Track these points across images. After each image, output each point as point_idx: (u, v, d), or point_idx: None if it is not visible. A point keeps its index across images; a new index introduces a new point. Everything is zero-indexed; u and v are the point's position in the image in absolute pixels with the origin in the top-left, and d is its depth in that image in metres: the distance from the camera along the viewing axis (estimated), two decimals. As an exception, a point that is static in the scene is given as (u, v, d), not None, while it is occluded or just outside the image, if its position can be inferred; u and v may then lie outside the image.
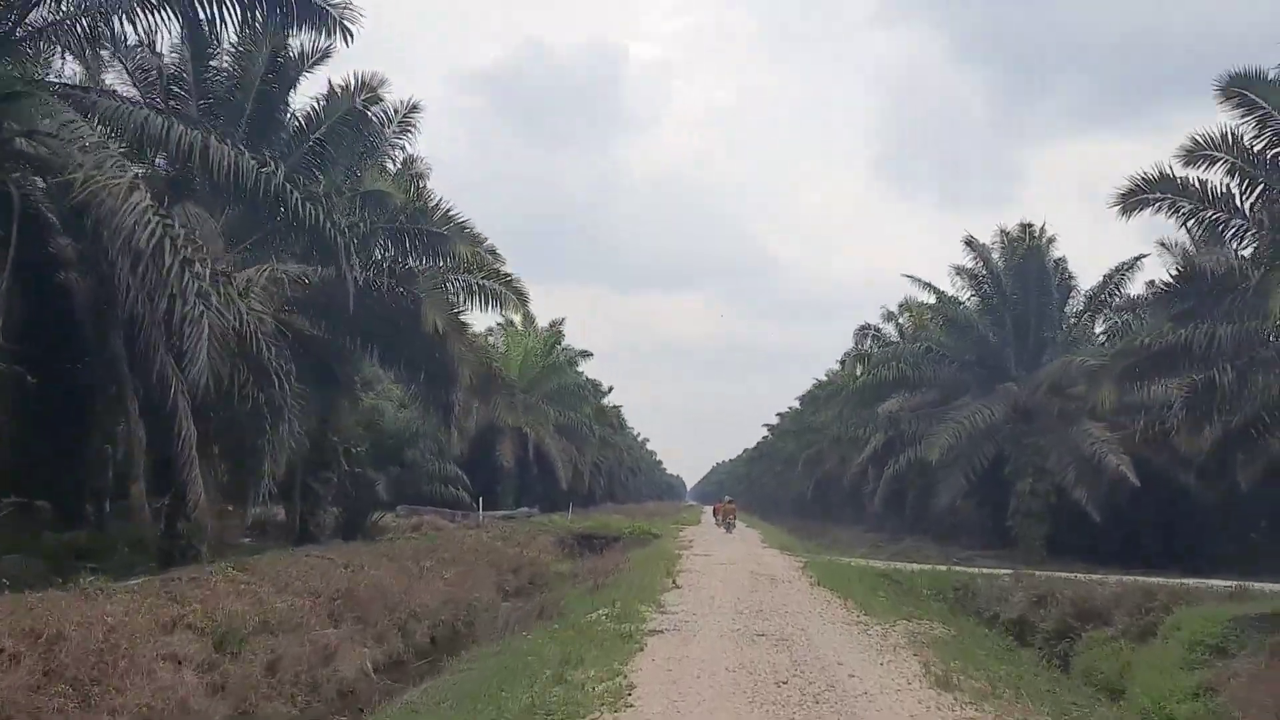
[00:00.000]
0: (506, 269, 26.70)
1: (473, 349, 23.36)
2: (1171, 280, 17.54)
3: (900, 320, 51.31)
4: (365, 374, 31.12)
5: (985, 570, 25.32)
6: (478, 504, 37.35)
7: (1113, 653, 16.02)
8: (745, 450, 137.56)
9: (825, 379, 63.59)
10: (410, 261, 21.45)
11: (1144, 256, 29.84)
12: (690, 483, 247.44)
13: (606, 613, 14.05)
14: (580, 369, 64.70)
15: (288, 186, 14.89)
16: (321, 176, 21.35)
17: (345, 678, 13.57)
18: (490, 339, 54.67)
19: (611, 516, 50.36)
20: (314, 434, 25.13)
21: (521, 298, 26.71)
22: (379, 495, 29.81)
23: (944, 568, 25.63)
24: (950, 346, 33.36)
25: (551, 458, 51.95)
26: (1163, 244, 26.71)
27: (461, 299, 25.27)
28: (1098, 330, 32.26)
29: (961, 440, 28.41)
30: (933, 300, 32.81)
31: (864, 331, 51.36)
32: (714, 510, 66.82)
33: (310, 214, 15.20)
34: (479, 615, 20.93)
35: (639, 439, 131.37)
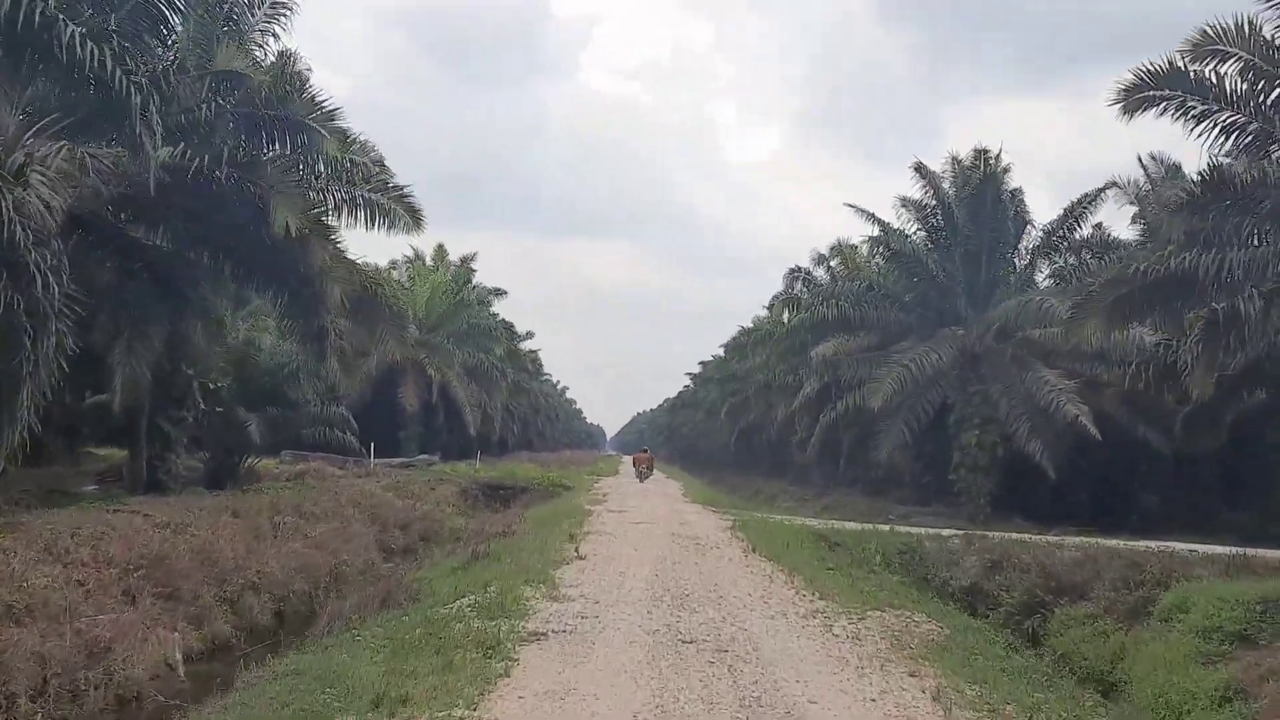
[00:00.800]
0: (397, 182, 22.98)
1: (343, 263, 19.59)
2: (1194, 188, 14.74)
3: (832, 264, 48.58)
4: (233, 298, 27.15)
5: (931, 530, 22.74)
6: (368, 450, 33.62)
7: (1098, 635, 13.30)
8: (667, 400, 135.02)
9: (751, 325, 60.77)
10: (268, 154, 17.58)
11: (1109, 187, 27.32)
12: (611, 432, 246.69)
13: (475, 600, 10.42)
14: (495, 310, 60.92)
15: (60, 17, 10.99)
16: (159, 46, 17.35)
17: (131, 677, 10.11)
18: (394, 273, 50.67)
19: (523, 465, 47.06)
20: (159, 365, 21.25)
21: (415, 216, 22.95)
22: (252, 439, 25.95)
23: (886, 527, 22.96)
24: (893, 285, 30.54)
25: (459, 402, 48.27)
26: (1153, 158, 24.21)
27: (340, 213, 21.55)
28: (1042, 275, 29.73)
29: (906, 386, 25.62)
30: (875, 233, 29.80)
31: (794, 275, 48.36)
32: (634, 461, 64.54)
33: (92, 57, 11.34)
34: (351, 582, 17.56)
35: (558, 386, 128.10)
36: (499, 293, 57.45)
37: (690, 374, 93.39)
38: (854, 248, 47.80)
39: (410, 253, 53.47)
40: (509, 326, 64.57)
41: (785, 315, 52.39)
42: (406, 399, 46.63)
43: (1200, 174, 14.44)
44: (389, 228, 22.70)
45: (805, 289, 48.14)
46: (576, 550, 14.37)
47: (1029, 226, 28.47)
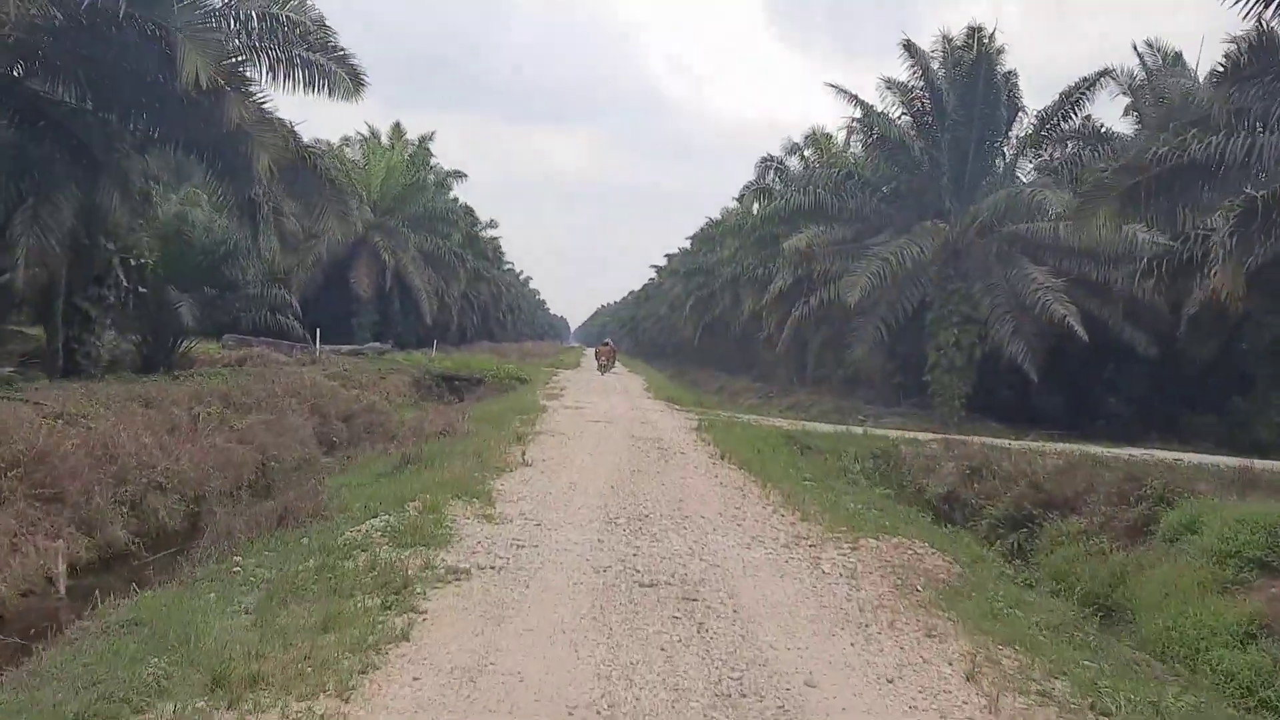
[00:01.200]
0: (339, 43, 20.71)
1: (270, 126, 17.49)
2: (1240, 54, 13.06)
3: (806, 154, 46.67)
4: (171, 170, 24.97)
5: (907, 434, 21.63)
6: (314, 336, 31.83)
7: (1094, 555, 12.17)
8: (631, 293, 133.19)
9: (719, 218, 58.87)
10: (181, -3, 15.30)
11: (1104, 75, 25.54)
12: (575, 325, 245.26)
13: (391, 520, 8.46)
14: (454, 195, 58.43)
15: None
16: None
17: (-3, 595, 8.62)
18: (347, 150, 48.04)
19: (480, 356, 45.51)
20: (74, 238, 19.26)
21: (356, 80, 20.79)
22: (182, 320, 24.05)
23: (859, 430, 21.82)
24: (874, 174, 28.81)
25: (415, 288, 46.35)
26: (1150, 45, 22.63)
27: (275, 74, 19.41)
28: (1025, 170, 28.10)
29: (884, 281, 24.15)
30: (857, 115, 27.81)
31: (766, 164, 46.29)
32: (595, 353, 63.17)
33: None
34: (282, 479, 16.08)
35: (521, 277, 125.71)
36: (458, 175, 55.06)
37: (656, 266, 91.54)
38: (829, 137, 45.89)
39: (366, 131, 50.85)
40: (469, 212, 62.21)
41: (755, 206, 50.62)
42: (359, 284, 44.67)
43: (1246, 37, 12.75)
44: (329, 92, 20.58)
45: (778, 179, 46.27)
46: (523, 455, 12.53)
47: (1020, 114, 26.69)
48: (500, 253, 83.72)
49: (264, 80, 19.69)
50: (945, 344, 25.72)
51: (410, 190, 47.46)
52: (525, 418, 17.16)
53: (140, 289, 22.32)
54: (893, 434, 21.62)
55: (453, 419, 15.88)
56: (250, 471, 14.97)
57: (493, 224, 75.36)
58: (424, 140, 51.66)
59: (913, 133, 26.68)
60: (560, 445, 13.63)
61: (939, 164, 26.15)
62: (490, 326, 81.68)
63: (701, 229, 62.38)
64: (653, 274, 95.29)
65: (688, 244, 71.89)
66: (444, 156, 55.11)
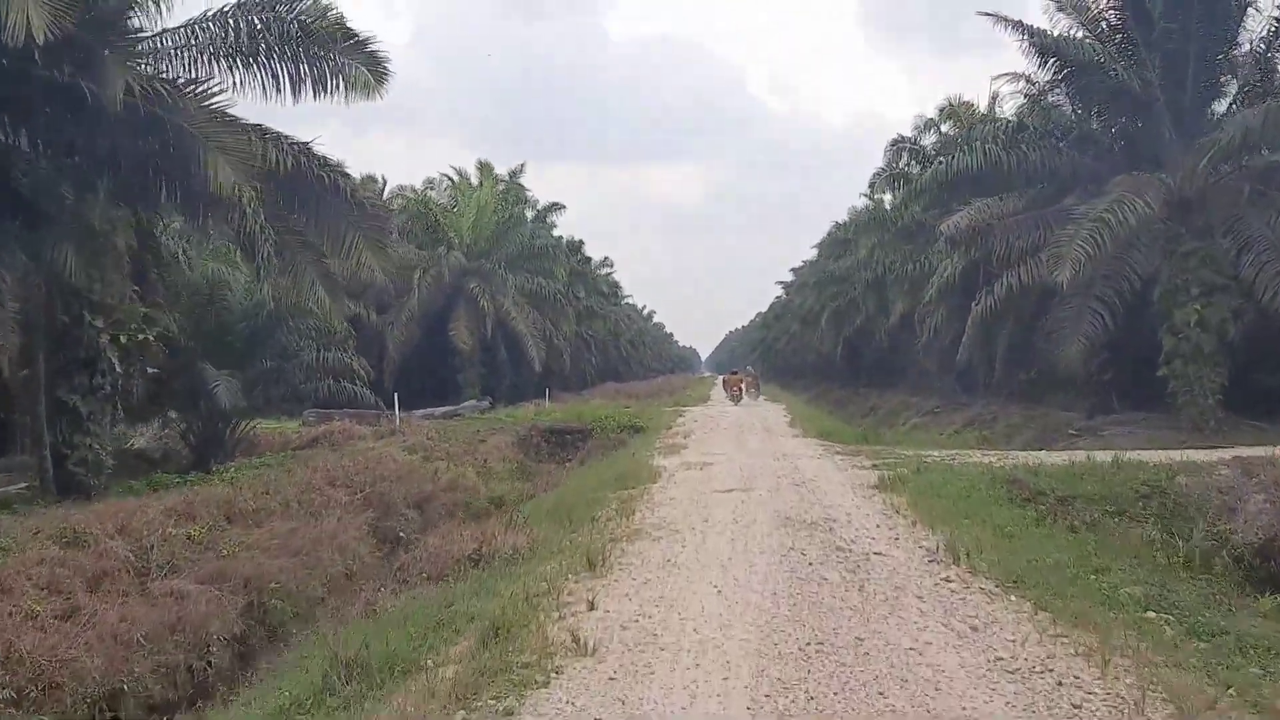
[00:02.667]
0: (353, 25, 16.09)
1: (225, 124, 12.81)
2: None
3: (943, 128, 40.31)
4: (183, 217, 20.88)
5: (1165, 455, 15.35)
6: (395, 403, 27.35)
7: None
8: (759, 314, 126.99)
9: (847, 220, 52.68)
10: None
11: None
12: (705, 354, 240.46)
13: None
14: (556, 230, 54.04)
15: None
16: None
17: None
18: (431, 193, 44.14)
19: (594, 402, 40.51)
20: (36, 309, 15.07)
21: (377, 71, 16.15)
22: (219, 402, 19.74)
23: (1085, 452, 15.59)
24: (1054, 121, 22.44)
25: (519, 334, 41.80)
26: None
27: (255, 66, 14.92)
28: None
29: (1103, 250, 17.90)
30: (1022, 43, 21.38)
31: (897, 146, 40.29)
32: (724, 383, 57.87)
33: None
34: (285, 620, 11.23)
35: (644, 312, 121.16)
36: (557, 207, 50.50)
37: (782, 282, 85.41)
38: (969, 105, 39.52)
39: (454, 173, 46.94)
40: (576, 246, 57.62)
41: (888, 197, 44.43)
42: (459, 336, 40.41)
43: None
44: (346, 89, 15.98)
45: (913, 161, 40.14)
46: (591, 602, 6.79)
47: (1249, 9, 19.94)
48: (617, 288, 79.27)
49: (248, 83, 15.29)
50: (1184, 324, 19.23)
51: (504, 227, 43.12)
52: (624, 496, 11.59)
53: (150, 369, 18.06)
54: (1143, 456, 15.40)
55: (490, 528, 10.37)
56: (226, 625, 10.04)
57: (607, 261, 71.06)
58: (514, 174, 47.34)
59: (1113, 51, 20.22)
60: (665, 564, 7.73)
61: (1150, 89, 19.67)
62: (614, 366, 77.11)
63: (829, 233, 56.26)
64: (779, 291, 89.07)
65: (814, 254, 65.88)
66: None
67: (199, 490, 14.17)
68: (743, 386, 49.29)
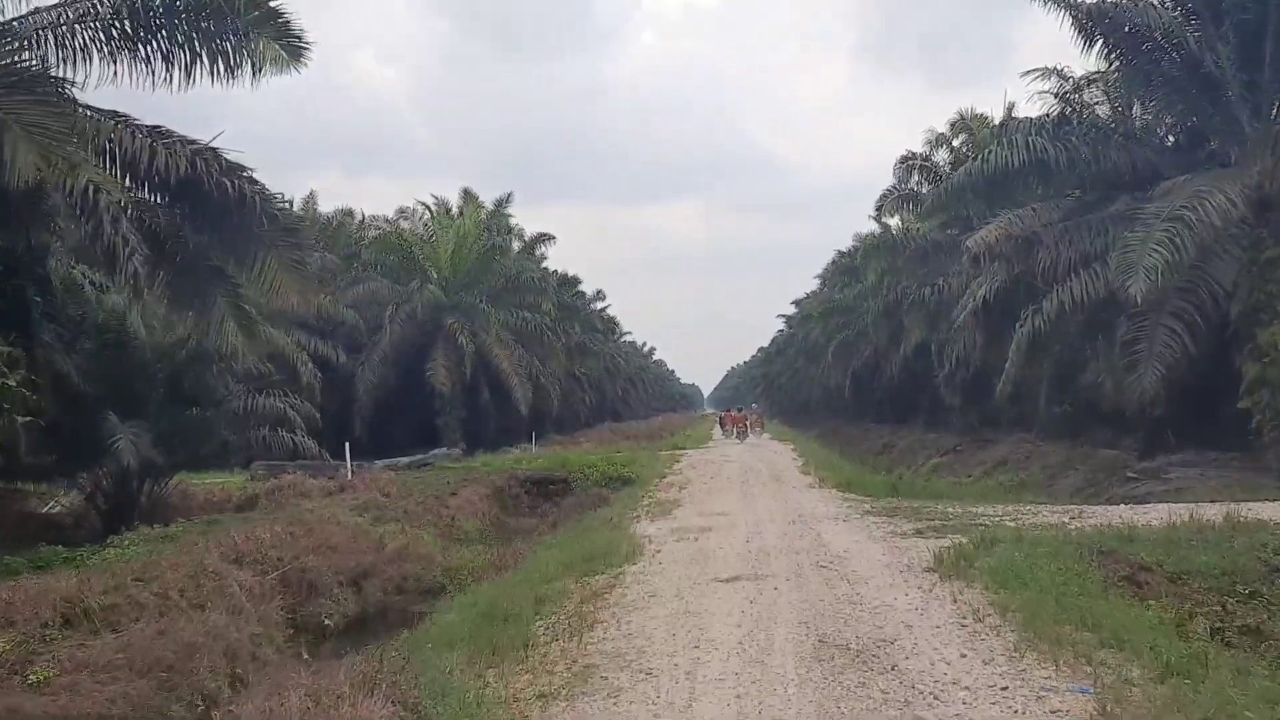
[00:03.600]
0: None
1: (33, 97, 9.76)
2: None
3: (955, 143, 37.40)
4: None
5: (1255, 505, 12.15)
6: (347, 455, 24.11)
7: None
8: (760, 349, 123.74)
9: (850, 248, 49.64)
10: None
11: None
12: (707, 391, 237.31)
13: None
14: (547, 263, 51.05)
15: None
16: None
17: None
18: (404, 223, 41.14)
19: (584, 445, 37.23)
20: None
21: (293, 46, 13.20)
22: (121, 458, 16.47)
23: (1184, 512, 12.23)
24: (1099, 118, 19.33)
25: (503, 373, 38.59)
26: None
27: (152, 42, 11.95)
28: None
29: (1183, 255, 14.72)
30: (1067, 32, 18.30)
31: (907, 164, 37.41)
32: (721, 421, 54.96)
33: None
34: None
35: (644, 349, 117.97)
36: (545, 238, 47.46)
37: (783, 315, 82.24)
38: (982, 118, 36.58)
39: (434, 201, 43.94)
40: (569, 281, 54.57)
41: (895, 221, 41.40)
42: (436, 377, 37.20)
43: None
44: (254, 69, 13.01)
45: (923, 180, 37.20)
46: None
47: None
48: (614, 324, 76.10)
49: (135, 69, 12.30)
50: (1270, 347, 16.04)
51: (487, 259, 39.99)
52: (589, 588, 8.17)
53: (30, 419, 14.85)
54: (1245, 509, 12.21)
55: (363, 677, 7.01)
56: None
57: (601, 295, 67.85)
58: (501, 204, 44.31)
59: (1178, 19, 17.04)
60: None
61: (1223, 70, 16.51)
62: (611, 405, 73.82)
63: (833, 261, 53.05)
64: (780, 325, 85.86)
65: (817, 284, 62.79)
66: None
67: (35, 581, 10.87)
68: (748, 424, 46.36)
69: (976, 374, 27.33)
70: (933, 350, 33.13)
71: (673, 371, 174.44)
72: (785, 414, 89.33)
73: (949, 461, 30.19)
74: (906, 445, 37.41)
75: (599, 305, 68.01)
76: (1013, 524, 11.60)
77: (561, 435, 45.04)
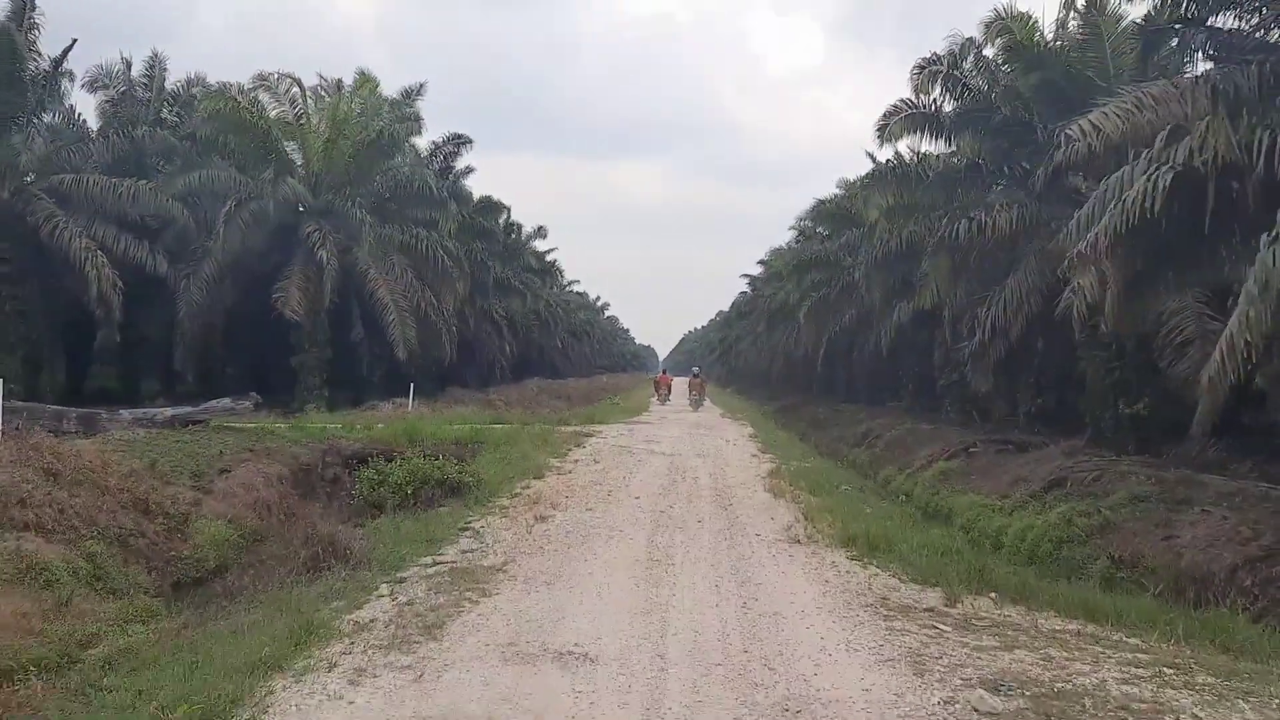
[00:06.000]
0: None
1: None
2: None
3: (987, 52, 28.23)
4: None
5: None
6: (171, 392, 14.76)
7: None
8: (720, 313, 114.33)
9: (836, 194, 40.44)
10: None
11: None
12: (663, 354, 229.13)
13: None
14: (467, 183, 41.49)
15: None
16: None
17: None
18: (262, 95, 31.12)
19: (463, 409, 27.96)
20: None
21: None
22: None
23: None
24: None
25: (380, 302, 29.24)
26: None
27: None
28: None
29: None
30: None
31: (929, 69, 28.03)
32: (655, 384, 49.81)
33: None
34: None
35: (596, 302, 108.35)
36: (462, 140, 37.67)
37: (747, 275, 72.78)
38: (1024, 17, 27.42)
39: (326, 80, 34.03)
40: (491, 205, 44.91)
41: (906, 144, 32.18)
42: (287, 302, 27.72)
43: None
44: None
45: (947, 95, 28.10)
46: None
47: None
48: (555, 268, 66.52)
49: None
50: None
51: (371, 152, 30.44)
52: None
53: None
54: None
55: None
56: None
57: (540, 232, 58.00)
58: (411, 94, 34.57)
59: None
60: None
61: None
62: (550, 359, 64.60)
63: (814, 207, 43.75)
64: (744, 286, 76.40)
65: (792, 236, 53.55)
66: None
67: None
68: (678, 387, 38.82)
69: (1027, 349, 18.65)
70: (945, 313, 24.41)
71: (627, 330, 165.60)
72: (740, 383, 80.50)
73: (964, 468, 21.54)
74: (894, 436, 28.61)
75: (539, 245, 58.55)
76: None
77: (465, 389, 35.84)
